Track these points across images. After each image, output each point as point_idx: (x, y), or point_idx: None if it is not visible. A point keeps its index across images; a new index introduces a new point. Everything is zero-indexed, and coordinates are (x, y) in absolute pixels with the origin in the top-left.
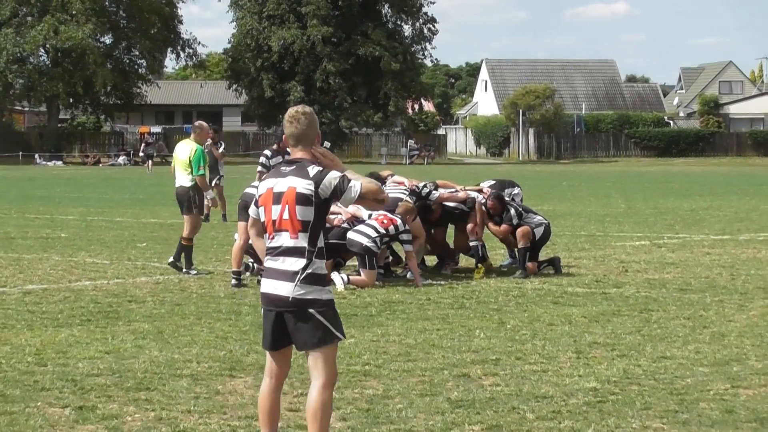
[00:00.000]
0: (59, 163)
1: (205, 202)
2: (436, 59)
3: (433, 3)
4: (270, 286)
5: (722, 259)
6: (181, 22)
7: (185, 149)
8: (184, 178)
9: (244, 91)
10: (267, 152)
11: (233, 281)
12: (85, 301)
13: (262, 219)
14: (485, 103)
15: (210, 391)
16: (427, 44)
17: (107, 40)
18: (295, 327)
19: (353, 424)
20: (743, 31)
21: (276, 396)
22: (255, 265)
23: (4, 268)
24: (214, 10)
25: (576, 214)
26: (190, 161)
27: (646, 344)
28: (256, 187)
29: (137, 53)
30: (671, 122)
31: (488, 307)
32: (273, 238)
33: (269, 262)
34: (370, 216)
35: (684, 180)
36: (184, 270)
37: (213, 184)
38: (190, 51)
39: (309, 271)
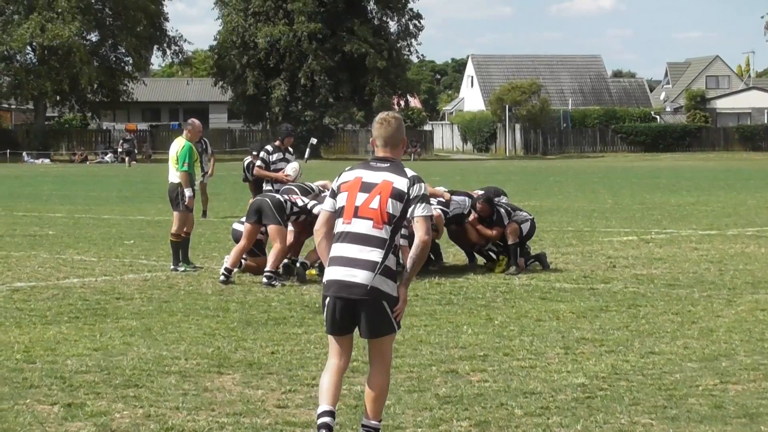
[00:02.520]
0: (47, 160)
1: (200, 197)
2: (421, 55)
3: None
4: (346, 273)
5: (710, 254)
6: (167, 19)
7: (175, 146)
8: (173, 175)
9: (229, 88)
10: (269, 147)
11: (222, 278)
12: (73, 298)
13: (341, 204)
14: (471, 99)
15: (198, 388)
16: (413, 40)
17: (93, 37)
18: (365, 315)
19: (342, 420)
20: (729, 25)
21: (339, 377)
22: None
23: None
24: (199, 8)
25: (563, 209)
26: (177, 157)
27: (635, 340)
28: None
29: (123, 51)
30: (658, 117)
31: (476, 303)
32: (350, 223)
33: (343, 249)
34: None
35: (671, 175)
36: (171, 267)
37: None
38: (176, 48)
39: (386, 263)
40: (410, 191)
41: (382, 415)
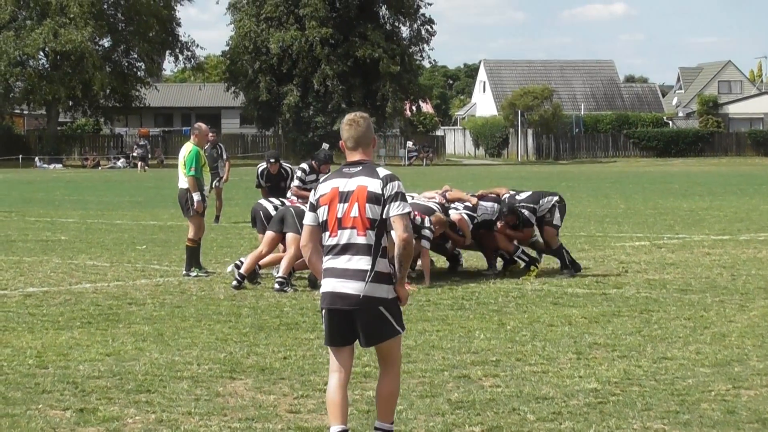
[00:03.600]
0: (59, 166)
1: (214, 203)
2: (434, 60)
3: (431, 4)
4: (338, 285)
5: (722, 259)
6: (179, 24)
7: (183, 151)
8: (182, 180)
9: (241, 93)
10: (305, 167)
11: (234, 282)
12: (85, 303)
13: (323, 218)
14: (483, 104)
15: (210, 393)
16: (425, 45)
17: (106, 43)
18: (363, 324)
19: (354, 425)
20: (742, 30)
21: (344, 391)
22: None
23: (4, 270)
24: (212, 13)
25: (575, 214)
26: (185, 162)
27: (647, 345)
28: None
29: (136, 56)
30: (670, 122)
31: (488, 309)
32: (336, 235)
33: (333, 261)
34: None
35: (683, 180)
36: (183, 272)
37: (213, 186)
38: (189, 53)
39: (376, 269)
40: (384, 191)
41: (394, 417)
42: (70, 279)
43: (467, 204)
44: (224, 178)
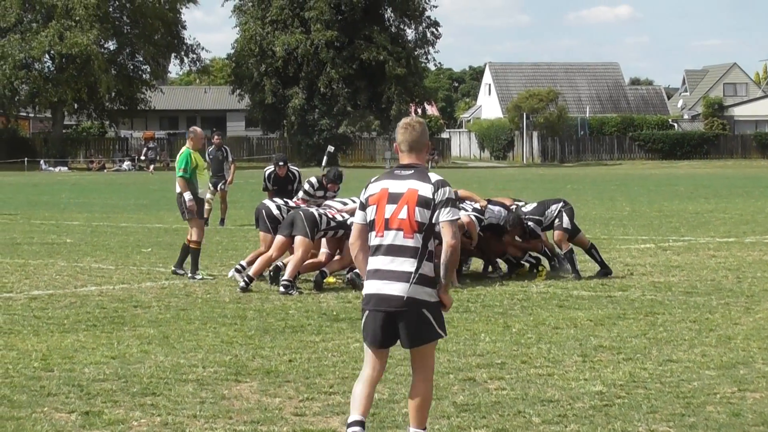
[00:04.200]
0: (64, 168)
1: (205, 206)
2: (439, 63)
3: (436, 7)
4: (382, 287)
5: (728, 261)
6: (184, 27)
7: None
8: (176, 184)
9: (247, 96)
10: (314, 181)
11: (242, 283)
12: (90, 306)
13: (371, 218)
14: (489, 106)
15: (215, 396)
16: (431, 48)
17: (111, 46)
18: (405, 326)
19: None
20: (747, 32)
21: (373, 388)
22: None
23: (10, 273)
24: (217, 16)
25: (580, 217)
26: (177, 165)
27: (652, 347)
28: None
29: (141, 59)
30: (675, 125)
31: (493, 311)
32: (382, 235)
33: (377, 262)
34: None
35: (689, 182)
36: (189, 275)
37: (218, 188)
38: (194, 56)
39: (421, 271)
40: (435, 196)
41: (427, 423)
42: (76, 282)
43: (476, 206)
44: (228, 180)
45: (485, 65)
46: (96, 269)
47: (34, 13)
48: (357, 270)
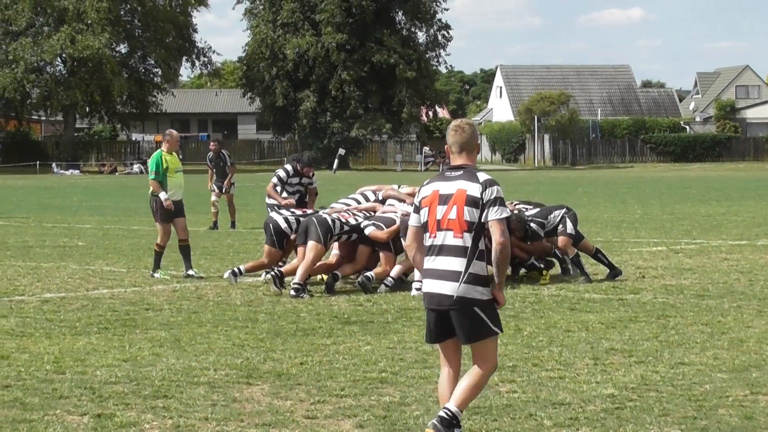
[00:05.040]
0: (76, 171)
1: (211, 209)
2: (450, 66)
3: (447, 10)
4: (434, 285)
5: (740, 264)
6: (195, 30)
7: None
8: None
9: (258, 99)
10: (289, 168)
11: (292, 292)
12: (102, 309)
13: (424, 220)
14: (500, 109)
15: (227, 399)
16: (442, 51)
17: (123, 49)
18: (459, 323)
19: (370, 431)
20: (759, 35)
21: (454, 384)
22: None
23: (22, 276)
24: (228, 19)
25: (592, 220)
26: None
27: (664, 350)
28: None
29: (152, 62)
30: (687, 127)
31: (504, 314)
32: (435, 236)
33: (431, 262)
34: None
35: (701, 185)
36: (151, 272)
37: (223, 192)
38: (205, 59)
39: (471, 271)
40: (483, 196)
41: (464, 408)
42: (87, 285)
43: None
44: (226, 182)
45: (496, 68)
46: (108, 272)
47: (45, 16)
48: (367, 274)
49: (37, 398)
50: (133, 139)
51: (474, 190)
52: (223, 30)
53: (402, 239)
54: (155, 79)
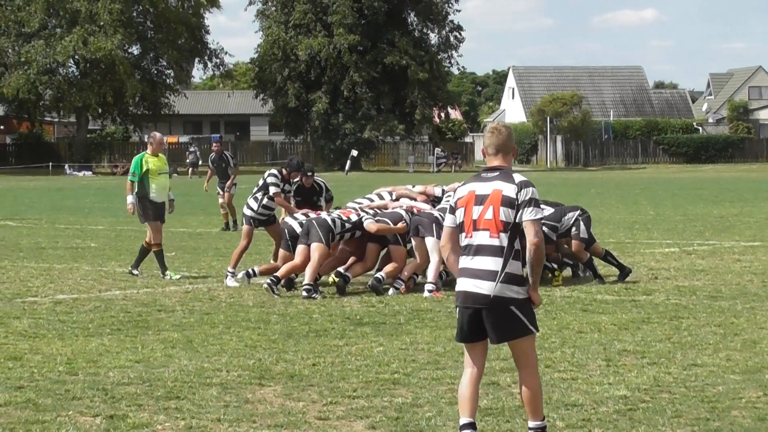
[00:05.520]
0: (88, 173)
1: (221, 211)
2: (462, 67)
3: (459, 11)
4: (470, 285)
5: (753, 265)
6: (208, 32)
7: None
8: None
9: (270, 100)
10: (275, 173)
11: (304, 293)
12: (115, 310)
13: (460, 220)
14: (512, 110)
15: (239, 400)
16: (454, 52)
17: (135, 50)
18: (493, 323)
19: None
20: None
21: (476, 386)
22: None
23: (35, 277)
24: (240, 20)
25: (604, 221)
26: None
27: (677, 352)
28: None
29: (165, 64)
30: (700, 128)
31: None
32: (471, 236)
33: (467, 261)
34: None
35: (713, 186)
36: (130, 268)
37: (225, 191)
38: (218, 61)
39: (507, 270)
40: (518, 196)
41: (543, 412)
42: (100, 286)
43: None
44: (228, 183)
45: (509, 69)
46: (120, 273)
47: (58, 18)
48: (378, 275)
49: (49, 399)
50: (146, 140)
51: (510, 190)
52: (236, 31)
53: (412, 238)
54: (168, 80)
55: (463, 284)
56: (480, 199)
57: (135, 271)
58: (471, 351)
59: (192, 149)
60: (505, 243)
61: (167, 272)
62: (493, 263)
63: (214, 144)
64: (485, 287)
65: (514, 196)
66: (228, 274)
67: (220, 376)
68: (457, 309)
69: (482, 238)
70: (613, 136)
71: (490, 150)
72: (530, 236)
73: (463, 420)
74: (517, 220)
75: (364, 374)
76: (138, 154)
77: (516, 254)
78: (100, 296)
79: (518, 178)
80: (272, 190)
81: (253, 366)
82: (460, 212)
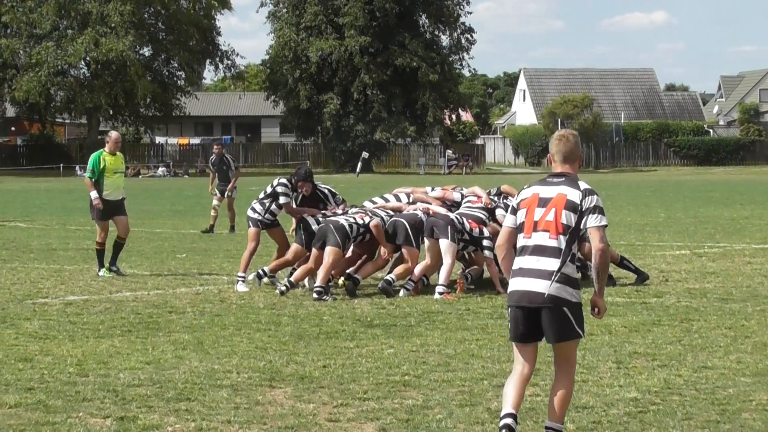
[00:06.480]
0: None
1: (211, 212)
2: (474, 69)
3: (471, 13)
4: (525, 284)
5: (764, 268)
6: (219, 33)
7: None
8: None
9: (281, 102)
10: (285, 182)
11: (282, 287)
12: (125, 312)
13: (521, 220)
14: (523, 112)
15: (250, 402)
16: (465, 54)
17: (146, 52)
18: (547, 321)
19: None
20: None
21: (523, 385)
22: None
23: (45, 279)
24: (252, 22)
25: (615, 223)
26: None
27: (687, 354)
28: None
29: (176, 65)
30: (711, 131)
31: None
32: (529, 237)
33: (523, 261)
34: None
35: (724, 189)
36: (108, 268)
37: (225, 196)
38: (229, 62)
39: (563, 271)
40: (583, 203)
41: (564, 419)
42: (111, 287)
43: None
44: (229, 186)
45: (520, 71)
46: (131, 275)
47: (69, 20)
48: (388, 278)
49: (60, 401)
50: (157, 142)
51: (574, 196)
52: (247, 33)
53: (426, 239)
54: (179, 82)
55: (518, 284)
56: (543, 202)
57: (114, 267)
58: (522, 350)
59: (214, 151)
60: (563, 245)
61: (102, 269)
62: (550, 263)
63: (216, 147)
64: (541, 286)
65: (578, 202)
66: (239, 279)
67: (230, 378)
68: (509, 309)
69: (541, 239)
70: (624, 138)
71: (556, 157)
72: (596, 242)
73: (506, 410)
74: (580, 226)
75: (374, 376)
76: (95, 152)
77: (572, 258)
78: (110, 298)
79: (583, 185)
80: (282, 200)
81: (263, 368)
82: (521, 213)
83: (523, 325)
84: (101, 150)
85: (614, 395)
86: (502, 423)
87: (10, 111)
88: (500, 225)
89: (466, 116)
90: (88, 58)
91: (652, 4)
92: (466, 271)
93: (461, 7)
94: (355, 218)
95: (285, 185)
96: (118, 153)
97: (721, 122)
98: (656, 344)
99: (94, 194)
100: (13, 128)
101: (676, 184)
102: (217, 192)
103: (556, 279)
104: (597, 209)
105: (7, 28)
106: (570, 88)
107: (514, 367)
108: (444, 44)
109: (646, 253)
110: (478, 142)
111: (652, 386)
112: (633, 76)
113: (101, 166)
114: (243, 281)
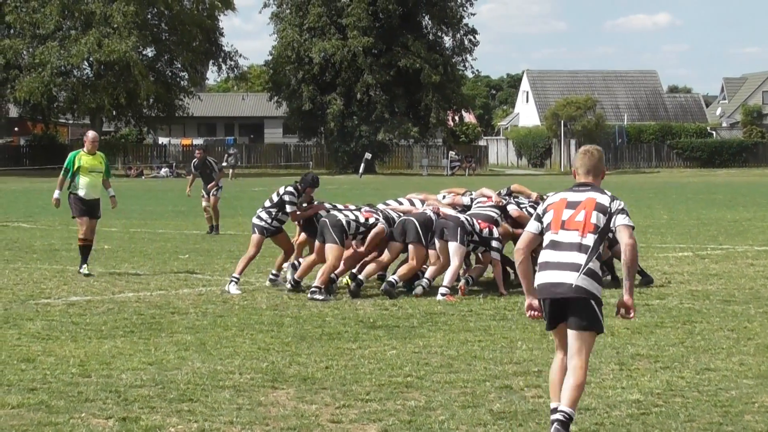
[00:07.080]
0: None
1: (204, 215)
2: (477, 70)
3: (474, 15)
4: (552, 276)
5: (766, 270)
6: (222, 34)
7: None
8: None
9: (284, 102)
10: (292, 190)
11: (318, 297)
12: (128, 312)
13: (548, 221)
14: (526, 114)
15: (252, 403)
16: (468, 56)
17: (150, 52)
18: (573, 310)
19: None
20: None
21: (565, 370)
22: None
23: (48, 279)
24: (255, 23)
25: None
26: None
27: (690, 356)
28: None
29: (179, 66)
30: (714, 133)
31: (530, 319)
32: (557, 233)
33: (550, 255)
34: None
35: (727, 191)
36: (79, 269)
37: (210, 195)
38: (232, 63)
39: (590, 266)
40: (611, 206)
41: (576, 406)
42: (113, 288)
43: (531, 200)
44: (210, 185)
45: (523, 72)
46: (133, 275)
47: (72, 20)
48: (391, 279)
49: (62, 401)
50: (160, 142)
51: (603, 199)
52: (250, 34)
53: (437, 240)
54: (182, 82)
55: (545, 276)
56: (572, 204)
57: (84, 270)
58: (559, 336)
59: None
60: (590, 243)
61: (85, 265)
62: (578, 257)
63: (198, 151)
64: (568, 277)
65: (608, 205)
66: (232, 280)
67: (233, 379)
68: (541, 302)
69: (569, 236)
70: (627, 140)
71: (580, 170)
72: (625, 238)
73: (554, 404)
74: (610, 225)
75: (377, 377)
76: (73, 151)
77: (599, 255)
78: (113, 298)
79: (609, 192)
80: (289, 209)
81: (266, 369)
82: (548, 215)
83: (550, 314)
84: (79, 149)
85: (617, 397)
86: (552, 417)
87: (14, 111)
88: (511, 223)
89: (469, 117)
90: (91, 59)
91: (655, 5)
92: (466, 275)
93: (464, 8)
94: (357, 215)
95: (292, 194)
96: (97, 153)
97: (724, 124)
98: (659, 346)
99: (56, 193)
100: (16, 129)
101: (678, 186)
102: (204, 193)
103: (583, 272)
104: (624, 211)
105: (10, 28)
106: (573, 89)
107: (556, 355)
108: (447, 45)
109: (649, 254)
110: (481, 143)
111: (654, 388)
112: (636, 78)
113: (76, 166)
114: (236, 283)
